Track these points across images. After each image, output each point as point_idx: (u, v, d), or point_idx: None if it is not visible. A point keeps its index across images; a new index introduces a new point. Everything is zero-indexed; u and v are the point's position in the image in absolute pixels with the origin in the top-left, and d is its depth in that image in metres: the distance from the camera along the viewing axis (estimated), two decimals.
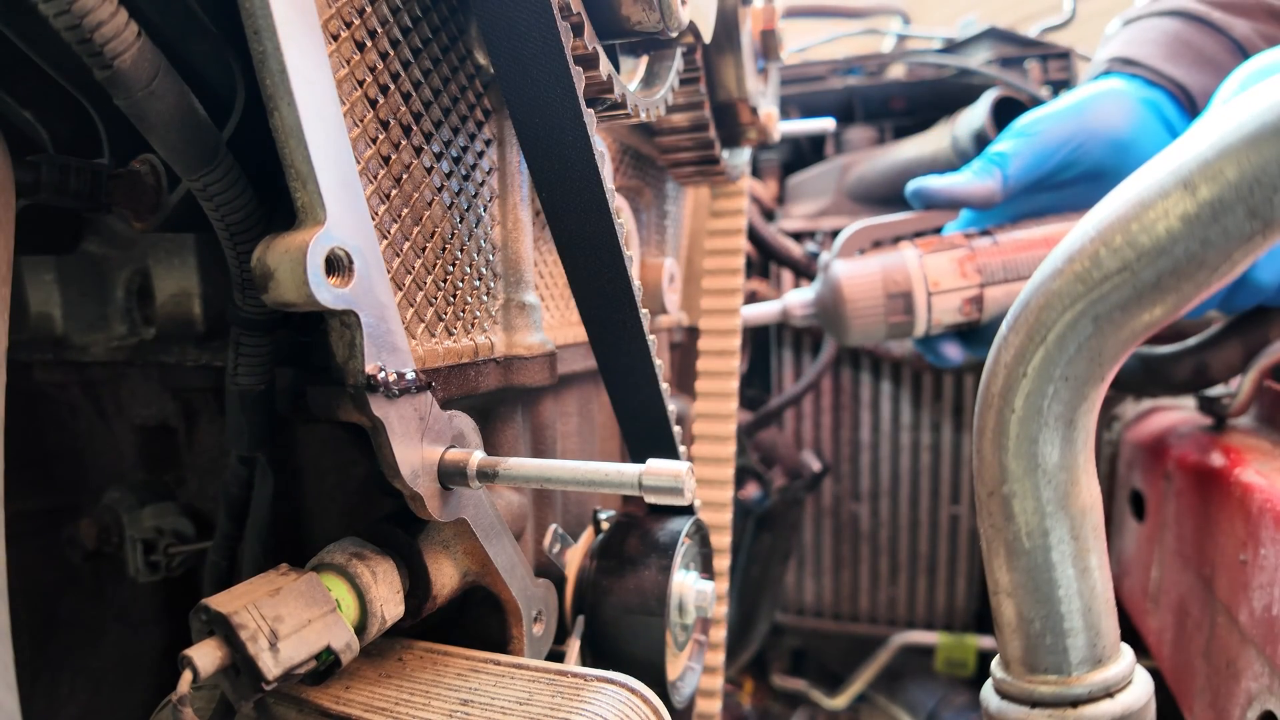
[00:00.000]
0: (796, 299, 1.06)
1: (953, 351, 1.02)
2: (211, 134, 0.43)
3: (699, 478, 0.96)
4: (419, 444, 0.46)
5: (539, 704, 0.47)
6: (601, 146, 0.54)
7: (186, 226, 0.54)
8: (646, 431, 0.67)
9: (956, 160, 1.35)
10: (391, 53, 0.49)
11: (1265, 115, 0.36)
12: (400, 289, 0.50)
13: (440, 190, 0.54)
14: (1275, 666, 0.65)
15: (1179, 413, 1.14)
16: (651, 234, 1.00)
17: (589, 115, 0.52)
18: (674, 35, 0.57)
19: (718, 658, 0.92)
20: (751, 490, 1.38)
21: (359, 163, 0.45)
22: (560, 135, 0.52)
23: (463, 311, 0.56)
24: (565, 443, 0.75)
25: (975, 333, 1.02)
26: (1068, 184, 0.98)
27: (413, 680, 0.50)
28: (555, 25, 0.48)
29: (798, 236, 1.55)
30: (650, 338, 0.61)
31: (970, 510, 1.50)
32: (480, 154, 0.58)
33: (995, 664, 0.51)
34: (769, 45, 0.89)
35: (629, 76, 0.68)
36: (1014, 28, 1.58)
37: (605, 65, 0.54)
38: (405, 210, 0.50)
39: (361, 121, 0.46)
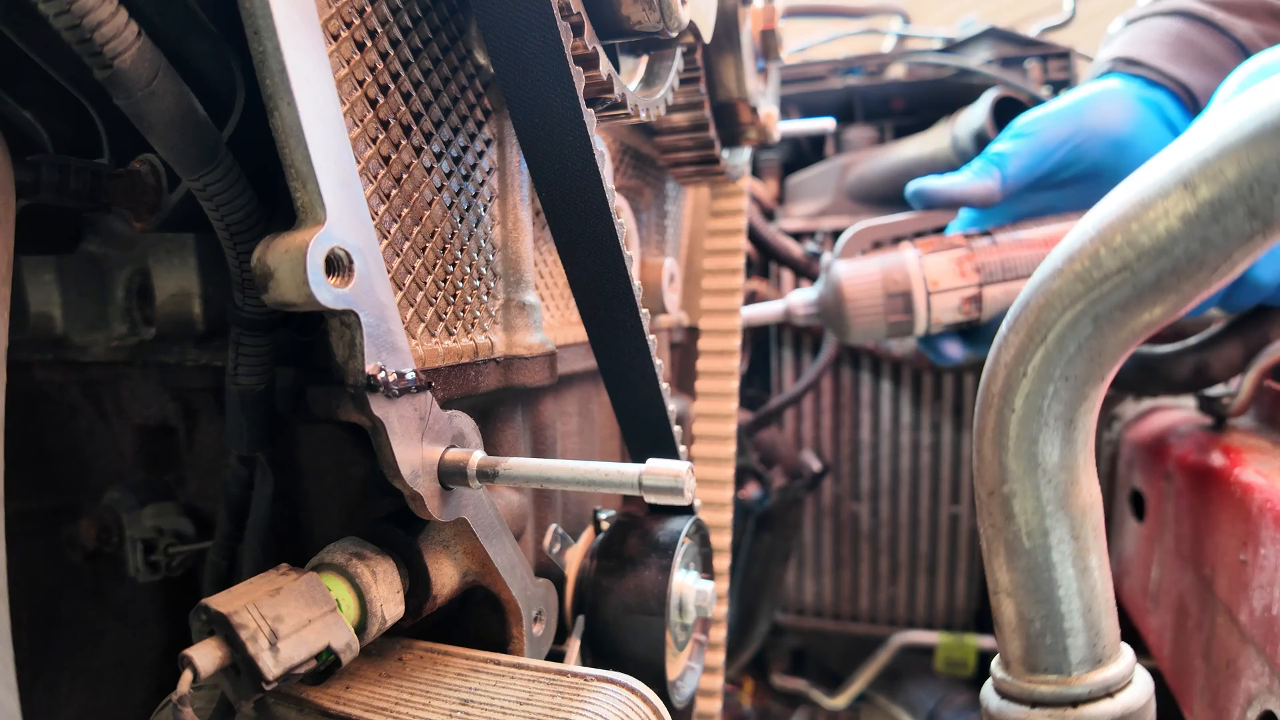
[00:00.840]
0: (799, 299, 1.08)
1: (953, 350, 1.03)
2: (211, 134, 0.43)
3: (699, 478, 0.96)
4: (419, 444, 0.46)
5: (539, 704, 0.47)
6: (601, 146, 0.54)
7: (186, 226, 0.54)
8: (646, 431, 0.67)
9: (956, 160, 1.35)
10: (391, 52, 0.49)
11: (1265, 115, 0.36)
12: (400, 289, 0.50)
13: (440, 190, 0.54)
14: (1275, 666, 0.65)
15: (1179, 413, 1.14)
16: (651, 234, 1.00)
17: (589, 115, 0.52)
18: (674, 35, 0.57)
19: (718, 657, 0.92)
20: (751, 490, 1.38)
21: (359, 163, 0.45)
22: (560, 135, 0.52)
23: (463, 311, 0.56)
24: (565, 443, 0.75)
25: (977, 331, 1.02)
26: (1068, 183, 0.98)
27: (413, 680, 0.50)
28: (555, 25, 0.48)
29: (798, 236, 1.55)
30: (650, 338, 0.61)
31: (970, 510, 1.50)
32: (480, 154, 0.58)
33: (995, 664, 0.51)
34: (769, 45, 0.89)
35: (629, 76, 0.68)
36: (1014, 28, 1.58)
37: (605, 65, 0.54)
38: (405, 210, 0.50)
39: (361, 121, 0.46)
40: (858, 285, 1.00)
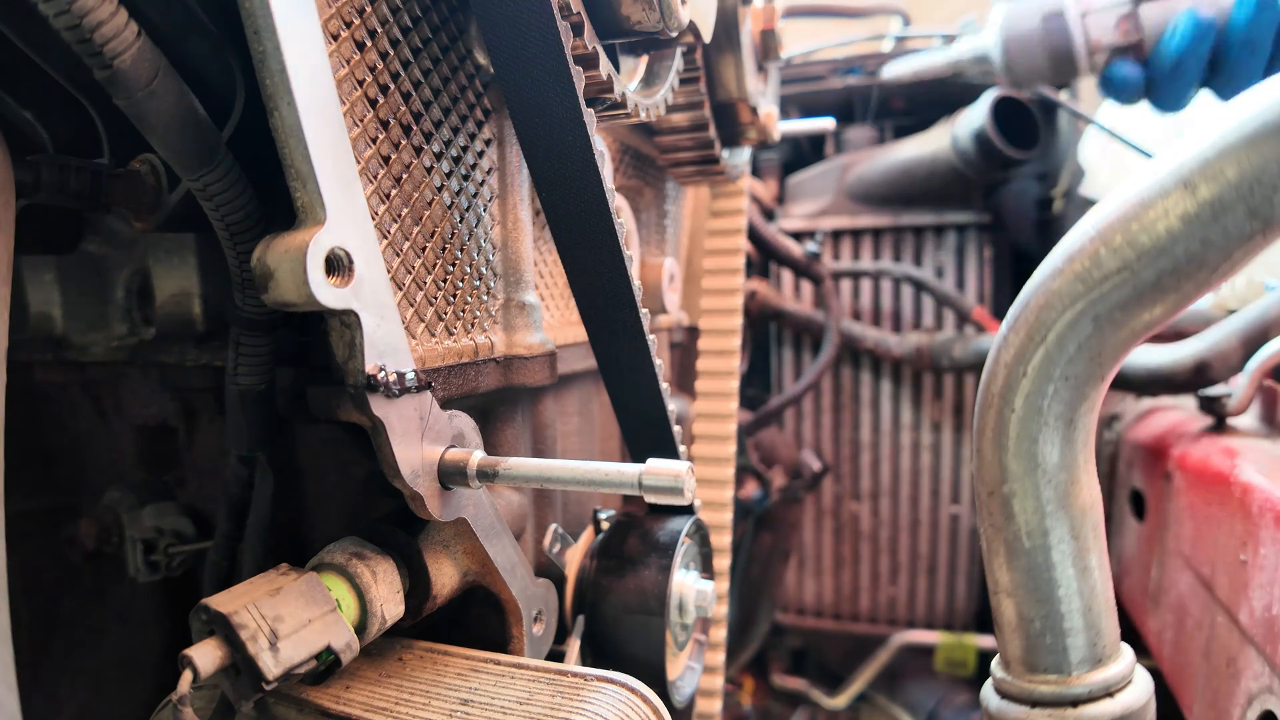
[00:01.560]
0: (966, 46, 1.12)
1: (1129, 69, 1.01)
2: (211, 134, 0.43)
3: (699, 477, 0.96)
4: (419, 444, 0.46)
5: (539, 703, 0.47)
6: (601, 146, 0.54)
7: (186, 226, 0.54)
8: (646, 431, 0.67)
9: (956, 160, 1.35)
10: (391, 52, 0.49)
11: (1265, 115, 0.36)
12: (400, 289, 0.50)
13: (440, 190, 0.54)
14: (1275, 666, 0.65)
15: (1179, 413, 1.14)
16: (651, 234, 1.00)
17: (589, 115, 0.52)
18: (674, 35, 0.57)
19: (718, 657, 0.92)
20: (751, 490, 1.38)
21: (359, 163, 0.45)
22: (560, 135, 0.52)
23: (463, 311, 0.56)
24: (565, 442, 0.75)
25: (1149, 60, 1.00)
26: None
27: (413, 680, 0.50)
28: (555, 25, 0.48)
29: (798, 236, 1.55)
30: (650, 338, 0.61)
31: (970, 510, 1.50)
32: (480, 154, 0.58)
33: (995, 663, 0.51)
34: (769, 45, 0.89)
35: (629, 76, 0.68)
36: None
37: (605, 65, 0.54)
38: (405, 210, 0.50)
39: (361, 121, 0.46)
40: (1017, 17, 1.05)
